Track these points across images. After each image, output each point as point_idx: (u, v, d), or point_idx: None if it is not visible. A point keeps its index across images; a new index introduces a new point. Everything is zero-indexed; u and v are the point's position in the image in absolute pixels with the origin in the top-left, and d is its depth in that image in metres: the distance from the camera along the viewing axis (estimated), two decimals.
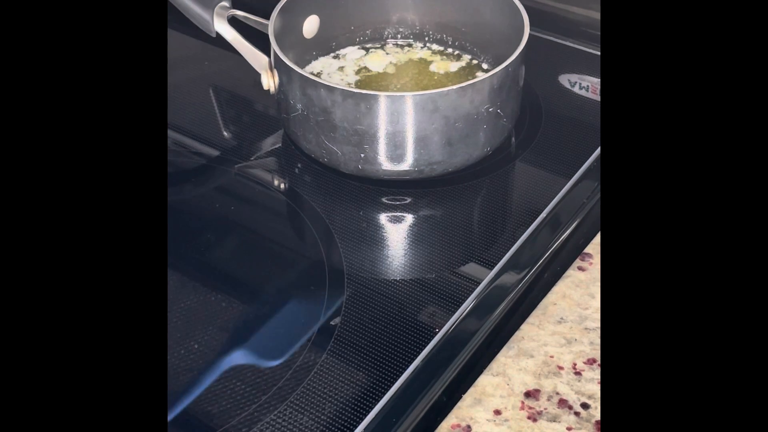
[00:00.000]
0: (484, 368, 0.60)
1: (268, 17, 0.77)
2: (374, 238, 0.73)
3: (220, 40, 0.81)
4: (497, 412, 0.57)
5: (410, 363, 0.61)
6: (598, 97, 0.85)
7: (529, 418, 0.56)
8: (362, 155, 0.73)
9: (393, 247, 0.73)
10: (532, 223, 0.72)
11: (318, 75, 0.84)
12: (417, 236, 0.74)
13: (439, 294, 0.67)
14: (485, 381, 0.59)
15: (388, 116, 0.71)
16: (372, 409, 0.58)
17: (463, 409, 0.57)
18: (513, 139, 0.81)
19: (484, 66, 0.85)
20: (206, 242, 0.72)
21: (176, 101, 0.86)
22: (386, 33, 0.88)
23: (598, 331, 0.61)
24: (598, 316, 0.62)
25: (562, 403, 0.57)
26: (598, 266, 0.66)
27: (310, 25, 0.84)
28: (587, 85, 0.87)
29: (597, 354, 0.60)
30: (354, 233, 0.72)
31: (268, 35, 0.76)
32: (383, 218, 0.75)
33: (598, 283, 0.65)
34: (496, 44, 0.81)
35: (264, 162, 0.81)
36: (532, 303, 0.64)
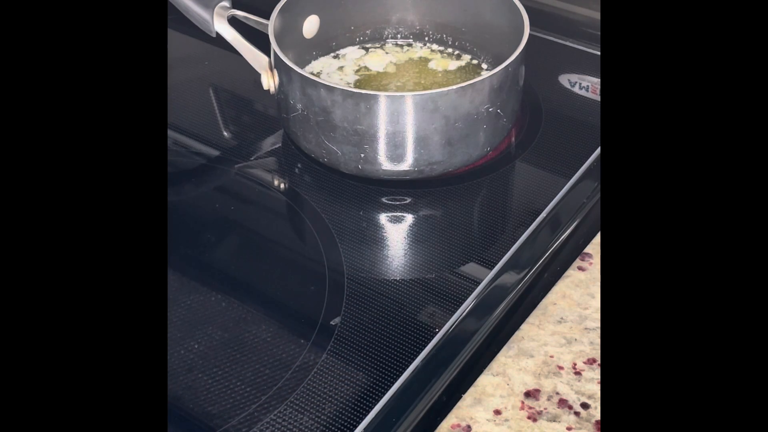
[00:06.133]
0: (484, 368, 0.60)
1: (268, 17, 0.77)
2: (374, 238, 0.73)
3: (220, 40, 0.81)
4: (497, 412, 0.57)
5: (410, 363, 0.61)
6: (598, 97, 0.85)
7: (529, 418, 0.56)
8: (362, 155, 0.73)
9: (393, 247, 0.73)
10: (532, 223, 0.72)
11: (318, 75, 0.84)
12: (417, 236, 0.74)
13: (439, 294, 0.67)
14: (485, 381, 0.59)
15: (388, 116, 0.71)
16: (372, 409, 0.58)
17: (463, 409, 0.57)
18: (513, 139, 0.81)
19: (484, 66, 0.85)
20: (206, 242, 0.72)
21: (176, 101, 0.86)
22: (386, 33, 0.88)
23: (598, 331, 0.61)
24: (598, 316, 0.62)
25: (562, 403, 0.57)
26: (598, 266, 0.66)
27: (310, 25, 0.84)
28: (587, 85, 0.87)
29: (597, 354, 0.60)
30: (354, 233, 0.72)
31: (268, 35, 0.76)
32: (383, 218, 0.75)
33: (598, 283, 0.65)
34: (496, 44, 0.81)
35: (264, 162, 0.81)
36: (532, 303, 0.64)
